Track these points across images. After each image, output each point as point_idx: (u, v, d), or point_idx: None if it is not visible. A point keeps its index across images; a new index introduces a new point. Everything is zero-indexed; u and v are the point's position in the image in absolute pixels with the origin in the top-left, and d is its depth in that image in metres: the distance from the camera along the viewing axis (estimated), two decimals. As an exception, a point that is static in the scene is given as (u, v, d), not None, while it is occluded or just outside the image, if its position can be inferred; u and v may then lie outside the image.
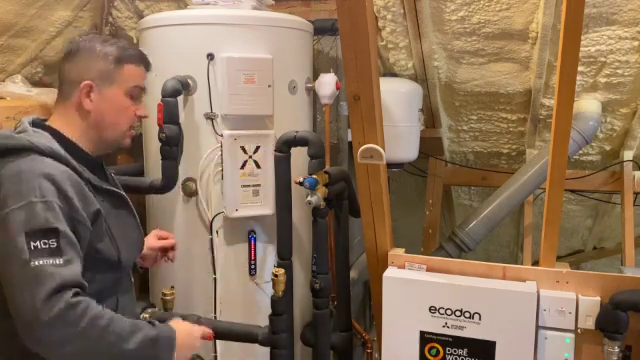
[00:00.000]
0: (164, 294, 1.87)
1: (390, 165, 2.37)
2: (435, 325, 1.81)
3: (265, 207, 2.11)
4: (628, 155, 2.62)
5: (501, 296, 1.75)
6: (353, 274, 2.52)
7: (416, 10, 2.27)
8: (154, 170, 2.17)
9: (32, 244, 1.20)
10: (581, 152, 2.64)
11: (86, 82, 1.39)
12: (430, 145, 2.83)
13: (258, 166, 2.09)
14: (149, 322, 1.36)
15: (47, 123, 1.42)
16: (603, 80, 2.33)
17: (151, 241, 1.74)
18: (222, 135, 2.05)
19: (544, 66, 2.32)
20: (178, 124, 2.00)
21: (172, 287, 1.92)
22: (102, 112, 1.41)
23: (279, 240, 2.04)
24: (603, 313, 1.69)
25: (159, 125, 1.98)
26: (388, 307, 1.87)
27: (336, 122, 2.56)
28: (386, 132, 1.90)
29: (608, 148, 2.68)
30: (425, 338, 1.83)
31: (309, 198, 1.86)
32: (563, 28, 1.51)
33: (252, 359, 2.16)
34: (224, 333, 1.97)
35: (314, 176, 1.87)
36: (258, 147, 2.08)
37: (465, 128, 2.83)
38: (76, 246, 1.26)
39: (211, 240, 2.13)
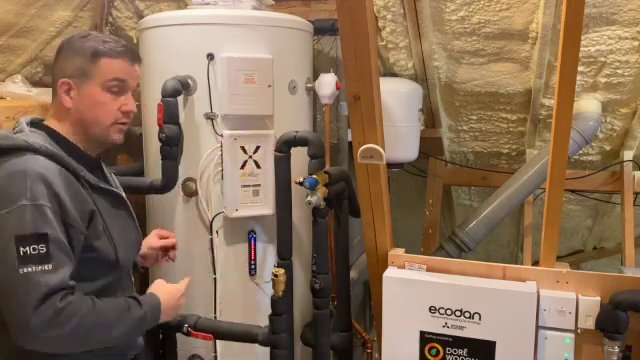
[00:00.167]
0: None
1: (390, 165, 2.37)
2: (435, 325, 1.81)
3: (265, 207, 2.11)
4: (628, 155, 2.62)
5: (501, 296, 1.75)
6: (353, 274, 2.52)
7: (416, 10, 2.27)
8: (154, 170, 2.17)
9: (21, 250, 1.21)
10: (581, 152, 2.64)
11: (62, 80, 1.37)
12: (430, 145, 2.83)
13: (258, 166, 2.09)
14: (134, 298, 1.41)
15: (45, 122, 1.42)
16: (603, 80, 2.33)
17: (152, 240, 1.74)
18: (222, 135, 2.05)
19: (544, 66, 2.32)
20: (178, 124, 2.01)
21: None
22: (81, 109, 1.38)
23: (279, 240, 2.04)
24: (603, 313, 1.69)
25: (159, 125, 1.98)
26: (388, 307, 1.87)
27: (336, 122, 2.56)
28: (386, 132, 1.90)
29: (608, 148, 2.68)
30: (425, 338, 1.83)
31: (309, 198, 1.86)
32: (563, 28, 1.51)
33: (252, 359, 2.16)
34: (224, 333, 1.98)
35: (314, 176, 1.86)
36: (258, 147, 2.08)
37: (465, 128, 2.83)
38: (66, 248, 1.27)
39: (211, 240, 2.13)
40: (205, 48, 2.03)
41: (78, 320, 1.25)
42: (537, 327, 1.74)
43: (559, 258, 1.88)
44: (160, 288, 1.51)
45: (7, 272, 1.21)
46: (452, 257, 2.59)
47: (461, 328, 1.79)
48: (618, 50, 2.21)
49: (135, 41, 2.58)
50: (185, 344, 2.10)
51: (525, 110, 2.62)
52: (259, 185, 2.10)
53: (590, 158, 2.74)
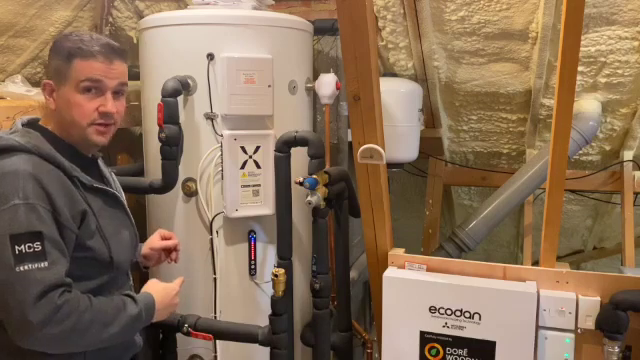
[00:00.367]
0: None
1: (390, 165, 2.37)
2: (435, 325, 1.81)
3: (265, 207, 2.11)
4: (628, 155, 2.62)
5: (501, 296, 1.75)
6: (353, 274, 2.52)
7: (416, 10, 2.27)
8: (154, 170, 2.17)
9: (17, 248, 1.22)
10: (581, 152, 2.64)
11: (45, 81, 1.39)
12: (430, 145, 2.83)
13: (258, 166, 2.09)
14: (129, 296, 1.42)
15: (40, 123, 1.42)
16: (603, 80, 2.33)
17: (154, 241, 1.74)
18: (222, 135, 2.05)
19: (544, 66, 2.32)
20: (178, 124, 2.01)
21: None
22: (60, 111, 1.38)
23: (279, 240, 2.04)
24: (603, 313, 1.69)
25: (159, 125, 1.98)
26: (388, 307, 1.87)
27: (336, 122, 2.56)
28: (386, 132, 1.90)
29: (608, 148, 2.68)
30: (425, 338, 1.83)
31: (309, 198, 1.86)
32: (563, 28, 1.50)
33: (252, 359, 2.16)
34: (224, 333, 1.98)
35: (314, 176, 1.87)
36: (258, 147, 2.08)
37: (465, 128, 2.83)
38: (61, 246, 1.28)
39: (211, 240, 2.13)
40: (205, 48, 2.03)
41: (76, 317, 1.25)
42: (537, 327, 1.74)
43: (559, 258, 1.88)
44: (154, 287, 1.52)
45: (4, 271, 1.22)
46: (452, 257, 2.59)
47: (461, 328, 1.79)
48: (618, 50, 2.21)
49: (135, 41, 2.58)
50: (185, 344, 2.10)
51: (525, 110, 2.62)
52: (259, 185, 2.10)
53: (590, 158, 2.74)
